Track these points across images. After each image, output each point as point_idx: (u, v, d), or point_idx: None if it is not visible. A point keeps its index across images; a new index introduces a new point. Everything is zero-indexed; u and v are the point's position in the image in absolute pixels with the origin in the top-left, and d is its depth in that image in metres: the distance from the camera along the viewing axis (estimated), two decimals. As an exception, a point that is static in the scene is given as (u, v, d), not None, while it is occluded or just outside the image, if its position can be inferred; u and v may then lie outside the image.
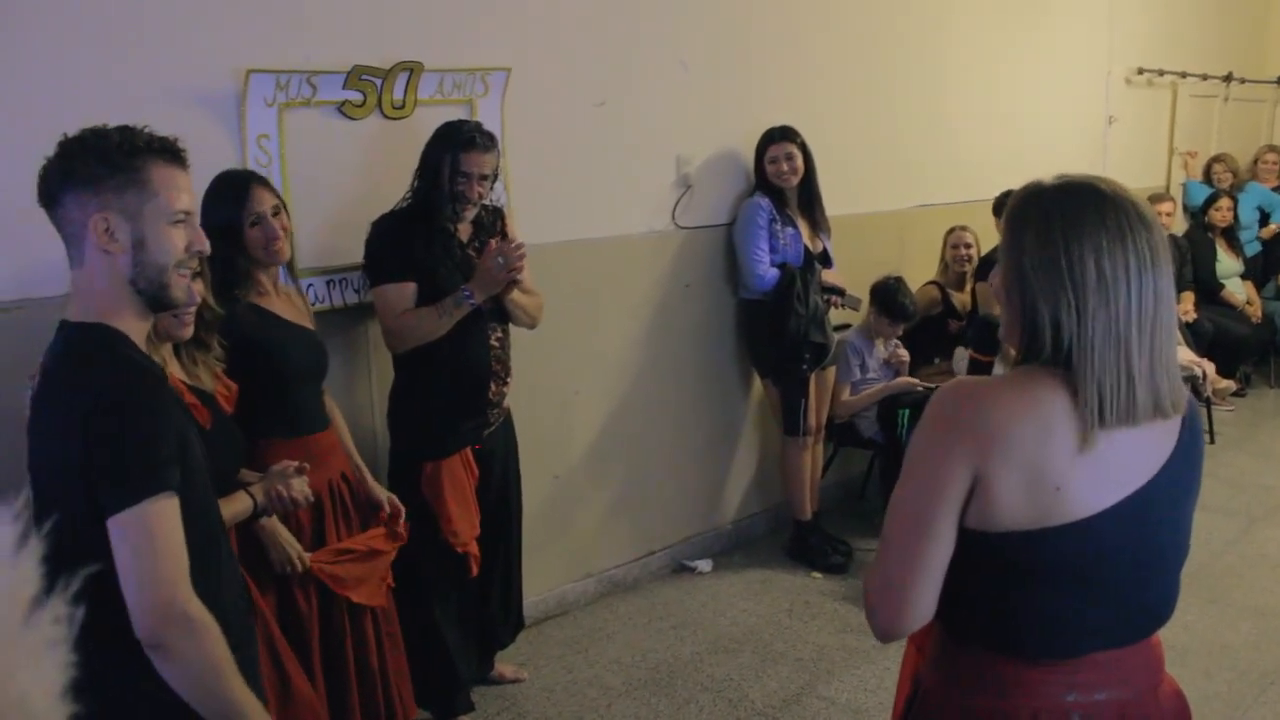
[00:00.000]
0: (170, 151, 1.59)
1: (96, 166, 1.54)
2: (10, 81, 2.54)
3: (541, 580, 3.82)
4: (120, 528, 1.48)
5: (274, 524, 2.45)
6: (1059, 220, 1.34)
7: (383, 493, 2.83)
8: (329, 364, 2.80)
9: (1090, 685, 1.39)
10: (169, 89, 2.76)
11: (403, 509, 2.80)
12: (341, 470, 2.75)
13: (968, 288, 5.04)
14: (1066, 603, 1.35)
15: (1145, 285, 1.32)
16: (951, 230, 5.04)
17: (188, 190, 1.61)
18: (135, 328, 1.61)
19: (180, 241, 1.59)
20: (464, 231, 3.06)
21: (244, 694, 1.55)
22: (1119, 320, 1.31)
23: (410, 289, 2.95)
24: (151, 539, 1.48)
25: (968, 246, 4.98)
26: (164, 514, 1.50)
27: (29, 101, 2.56)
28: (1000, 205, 4.99)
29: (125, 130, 1.57)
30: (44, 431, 1.57)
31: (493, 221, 3.16)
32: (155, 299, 1.60)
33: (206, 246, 1.64)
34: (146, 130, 1.60)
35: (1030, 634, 1.38)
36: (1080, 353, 1.32)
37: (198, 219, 1.66)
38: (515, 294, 3.04)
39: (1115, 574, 1.36)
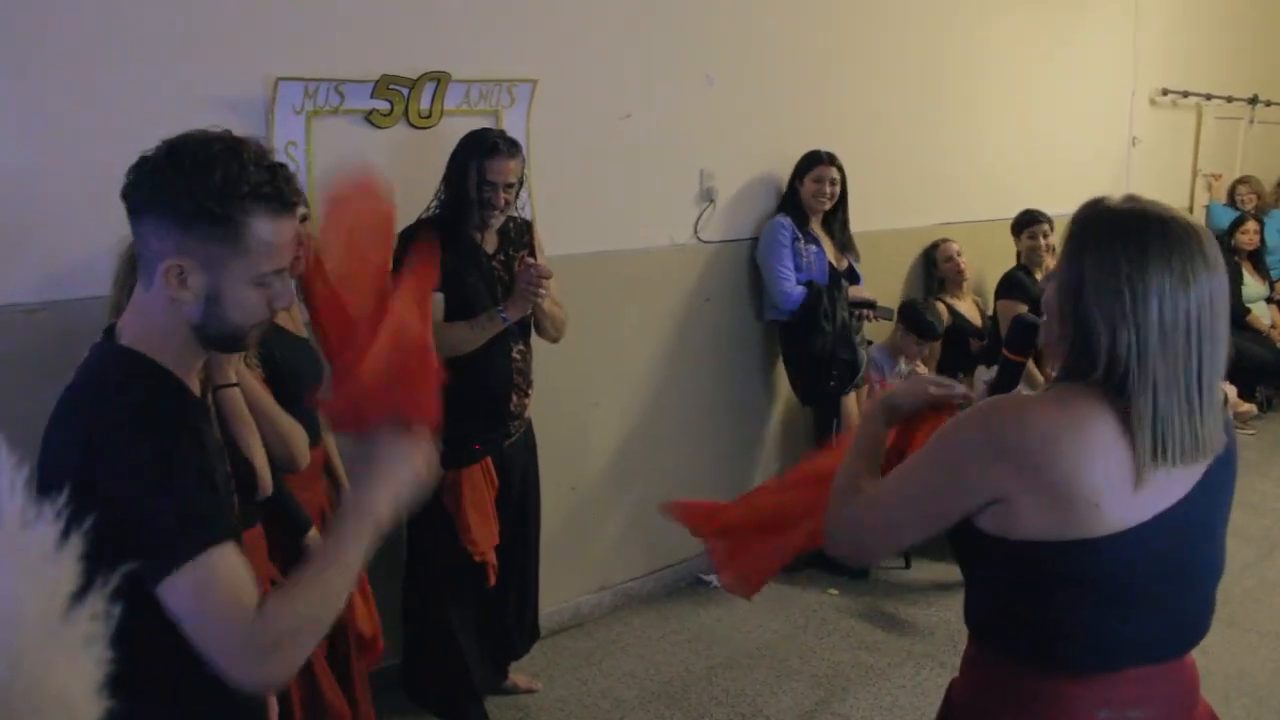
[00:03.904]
0: (278, 199, 1.34)
1: (187, 202, 1.29)
2: (38, 89, 2.56)
3: (557, 592, 3.82)
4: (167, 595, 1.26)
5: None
6: (1123, 254, 1.31)
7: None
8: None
9: (1125, 702, 1.39)
10: (199, 95, 2.78)
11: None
12: (324, 493, 2.65)
13: (969, 298, 5.13)
14: (1104, 616, 1.35)
15: (1204, 332, 1.32)
16: (937, 245, 5.12)
17: (287, 242, 1.38)
18: (183, 361, 1.40)
19: (260, 303, 1.37)
20: (490, 241, 3.08)
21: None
22: (1179, 364, 1.31)
23: (438, 299, 2.96)
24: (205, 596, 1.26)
25: (959, 255, 5.07)
26: (217, 565, 1.27)
27: (58, 109, 2.59)
28: (1019, 225, 4.99)
29: (232, 163, 1.31)
30: (54, 444, 1.35)
31: (520, 234, 3.17)
32: (221, 345, 1.43)
33: (288, 303, 1.44)
34: (256, 168, 1.33)
35: (1067, 647, 1.38)
36: (1140, 391, 1.30)
37: (288, 270, 1.42)
38: (547, 304, 3.06)
39: (1153, 587, 1.35)
